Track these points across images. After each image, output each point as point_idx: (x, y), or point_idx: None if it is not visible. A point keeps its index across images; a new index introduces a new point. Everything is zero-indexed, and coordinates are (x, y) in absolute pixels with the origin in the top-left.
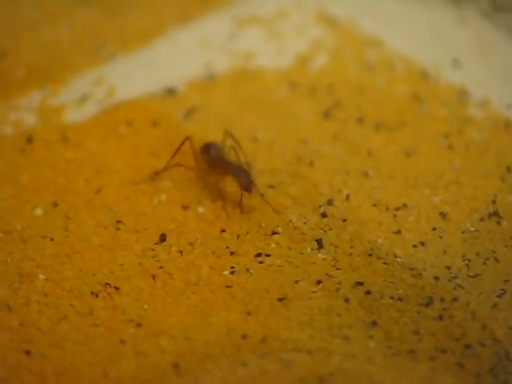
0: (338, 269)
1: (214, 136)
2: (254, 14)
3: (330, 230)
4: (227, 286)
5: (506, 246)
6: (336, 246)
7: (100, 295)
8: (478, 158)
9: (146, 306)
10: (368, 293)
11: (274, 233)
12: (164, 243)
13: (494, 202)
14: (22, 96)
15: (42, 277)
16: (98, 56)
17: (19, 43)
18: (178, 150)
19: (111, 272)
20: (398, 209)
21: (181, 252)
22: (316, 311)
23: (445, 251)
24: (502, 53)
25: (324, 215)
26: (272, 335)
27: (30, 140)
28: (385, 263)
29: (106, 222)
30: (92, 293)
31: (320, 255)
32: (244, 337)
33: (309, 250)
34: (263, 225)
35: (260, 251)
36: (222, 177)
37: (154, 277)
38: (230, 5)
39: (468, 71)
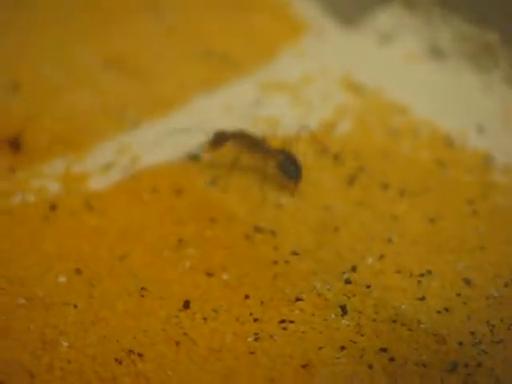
0: (361, 335)
1: (238, 204)
2: (279, 80)
3: (354, 296)
4: (251, 353)
5: None
6: (360, 312)
7: (123, 362)
8: (503, 223)
9: (169, 373)
10: (392, 359)
11: (298, 299)
12: (188, 310)
13: None
14: (46, 163)
15: (65, 344)
16: (122, 122)
17: (42, 108)
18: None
19: (135, 338)
20: (422, 275)
21: (205, 319)
22: (340, 377)
23: (469, 317)
24: None
25: (348, 281)
26: None
27: (53, 207)
28: (409, 329)
29: (130, 288)
30: (116, 359)
31: (344, 321)
32: None
33: (333, 316)
34: (287, 291)
35: (284, 318)
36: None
37: (177, 343)
38: (255, 70)
39: (492, 137)
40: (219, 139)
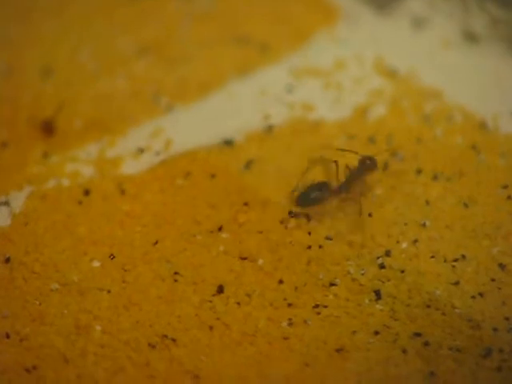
0: (395, 320)
1: (273, 189)
2: (312, 66)
3: (388, 281)
4: (284, 338)
5: None
6: (394, 297)
7: (157, 347)
8: None
9: (203, 358)
10: (426, 344)
11: (332, 284)
12: (221, 295)
13: None
14: (80, 147)
15: (98, 328)
16: (156, 107)
17: (77, 94)
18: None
19: (168, 323)
20: (456, 260)
21: (238, 303)
22: (373, 362)
23: (503, 302)
24: None
25: (382, 266)
26: None
27: (87, 192)
28: (443, 314)
29: (163, 273)
30: (149, 344)
31: (378, 306)
32: None
33: (367, 301)
34: (321, 276)
35: (318, 302)
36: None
37: (211, 328)
38: (289, 56)
39: None
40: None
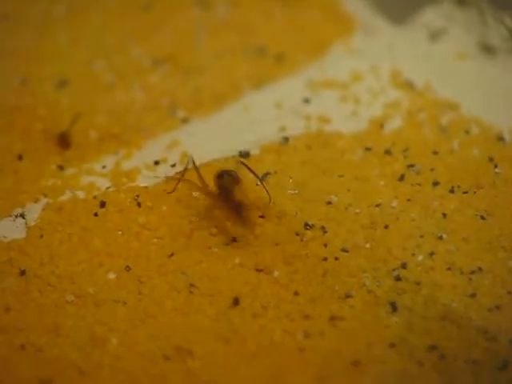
0: (411, 332)
1: (289, 201)
2: (328, 78)
3: (404, 293)
4: (300, 350)
5: None
6: (410, 310)
7: (173, 359)
8: None
9: (218, 370)
10: (442, 356)
11: (348, 296)
12: (237, 307)
13: None
14: (96, 159)
15: (114, 341)
16: (172, 119)
17: (93, 106)
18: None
19: (184, 336)
20: (472, 272)
21: (254, 315)
22: (390, 375)
23: None
24: None
25: (398, 278)
26: None
27: (102, 204)
28: (459, 327)
29: (179, 285)
30: (165, 356)
31: (394, 318)
32: None
33: (383, 313)
34: (337, 288)
35: (333, 314)
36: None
37: (226, 340)
38: (305, 68)
39: None
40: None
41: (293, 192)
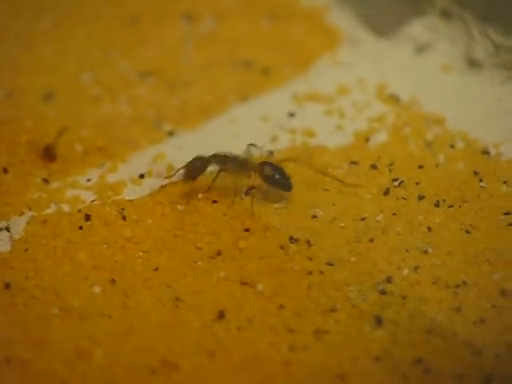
0: (396, 346)
1: (273, 214)
2: (314, 91)
3: (390, 307)
4: (285, 363)
5: None
6: (395, 323)
7: (158, 372)
8: None
9: (204, 383)
10: (427, 370)
11: (333, 310)
12: (222, 320)
13: None
14: (81, 172)
15: (99, 354)
16: (158, 132)
17: (79, 119)
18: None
19: (169, 349)
20: (457, 286)
21: (239, 329)
22: None
23: (505, 328)
24: None
25: (383, 292)
26: None
27: (87, 217)
28: (444, 340)
29: (164, 299)
30: (150, 370)
31: (379, 332)
32: None
33: (367, 327)
34: (322, 301)
35: (318, 328)
36: None
37: (212, 353)
38: (291, 81)
39: None
40: (198, 165)
41: (278, 205)
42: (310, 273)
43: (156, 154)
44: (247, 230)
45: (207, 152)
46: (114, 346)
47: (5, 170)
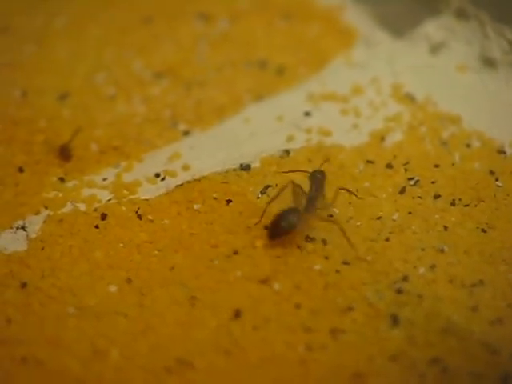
0: (413, 345)
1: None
2: (329, 90)
3: (406, 306)
4: (302, 362)
5: None
6: (411, 323)
7: (173, 371)
8: None
9: (219, 382)
10: (444, 370)
11: (349, 309)
12: (238, 319)
13: None
14: (96, 172)
15: (115, 353)
16: (173, 132)
17: (94, 119)
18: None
19: (185, 348)
20: (474, 285)
21: (255, 328)
22: None
23: None
24: None
25: (399, 291)
26: None
27: (103, 217)
28: (461, 340)
29: (180, 298)
30: (166, 369)
31: (395, 331)
32: None
33: (384, 326)
34: (338, 301)
35: (335, 327)
36: None
37: (228, 352)
38: (306, 81)
39: None
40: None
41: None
42: (326, 272)
43: (171, 154)
44: (263, 229)
45: (222, 152)
46: (130, 344)
47: (20, 170)
